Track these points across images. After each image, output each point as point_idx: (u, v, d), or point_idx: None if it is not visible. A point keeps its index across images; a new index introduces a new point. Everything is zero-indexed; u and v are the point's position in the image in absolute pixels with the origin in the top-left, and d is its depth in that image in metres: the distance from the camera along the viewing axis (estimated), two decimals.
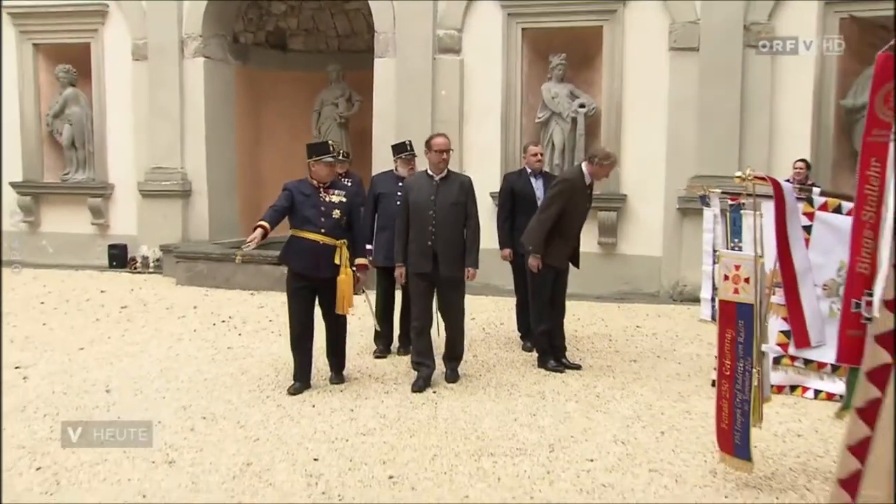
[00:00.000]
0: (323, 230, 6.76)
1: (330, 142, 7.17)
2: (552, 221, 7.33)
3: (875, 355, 2.93)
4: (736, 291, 4.76)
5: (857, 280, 3.17)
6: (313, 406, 6.49)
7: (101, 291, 11.90)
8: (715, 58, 11.52)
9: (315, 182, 6.87)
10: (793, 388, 6.68)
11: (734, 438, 4.87)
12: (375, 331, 8.29)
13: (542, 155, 8.61)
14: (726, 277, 4.81)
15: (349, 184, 11.01)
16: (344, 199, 6.90)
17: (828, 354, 5.19)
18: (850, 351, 3.27)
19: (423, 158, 7.38)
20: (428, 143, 7.12)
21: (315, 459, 5.32)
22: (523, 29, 12.42)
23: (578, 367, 7.61)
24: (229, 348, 8.48)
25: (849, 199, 5.41)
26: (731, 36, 11.45)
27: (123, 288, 12.23)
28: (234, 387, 7.02)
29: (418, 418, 6.20)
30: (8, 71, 14.58)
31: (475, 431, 5.89)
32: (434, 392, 6.87)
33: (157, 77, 13.78)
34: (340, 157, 11.79)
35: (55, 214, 14.67)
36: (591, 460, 5.29)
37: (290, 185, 6.95)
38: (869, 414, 2.96)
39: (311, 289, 6.89)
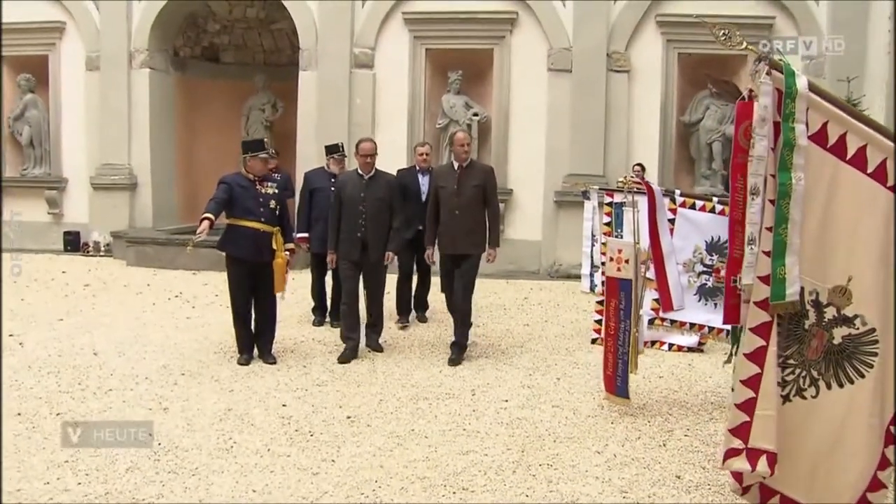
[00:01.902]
0: (262, 219, 6.63)
1: (264, 139, 6.98)
2: (430, 210, 7.12)
3: (756, 315, 3.51)
4: (619, 270, 5.41)
5: (734, 263, 3.75)
6: (272, 363, 6.81)
7: (63, 272, 11.80)
8: (584, 78, 12.21)
9: (251, 175, 6.71)
10: (652, 342, 7.39)
11: (616, 381, 5.53)
12: (313, 305, 8.52)
13: (427, 155, 8.48)
14: (611, 259, 5.44)
15: (278, 177, 11.35)
16: (276, 191, 6.81)
17: (686, 315, 5.87)
18: (732, 315, 3.84)
19: (353, 159, 7.63)
20: (357, 147, 7.19)
21: (284, 405, 5.67)
22: (427, 49, 12.83)
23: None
24: (188, 318, 8.66)
25: (701, 198, 6.15)
26: (596, 61, 12.16)
27: (81, 269, 12.14)
28: (200, 350, 7.22)
29: (361, 371, 6.59)
30: None
31: (409, 381, 6.33)
32: (369, 351, 7.23)
33: (108, 85, 13.64)
34: (271, 154, 12.09)
35: (15, 205, 14.34)
36: (506, 400, 5.83)
37: (227, 178, 6.76)
38: (756, 356, 3.51)
39: (249, 274, 6.73)
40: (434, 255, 7.21)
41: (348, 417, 5.42)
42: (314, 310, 8.57)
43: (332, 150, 8.47)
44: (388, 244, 7.09)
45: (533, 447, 4.87)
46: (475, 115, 12.58)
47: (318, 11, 12.96)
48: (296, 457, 4.70)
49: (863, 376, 3.52)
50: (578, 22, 12.19)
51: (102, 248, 13.73)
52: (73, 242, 13.98)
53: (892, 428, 3.51)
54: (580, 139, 12.21)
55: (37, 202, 14.24)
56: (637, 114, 12.24)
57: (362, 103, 12.85)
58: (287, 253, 6.87)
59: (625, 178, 5.39)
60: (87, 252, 13.78)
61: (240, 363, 6.74)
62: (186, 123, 14.55)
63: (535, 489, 4.25)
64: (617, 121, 12.22)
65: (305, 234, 8.13)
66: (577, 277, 9.89)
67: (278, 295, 6.90)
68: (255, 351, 6.95)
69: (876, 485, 3.53)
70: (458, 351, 6.98)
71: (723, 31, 3.52)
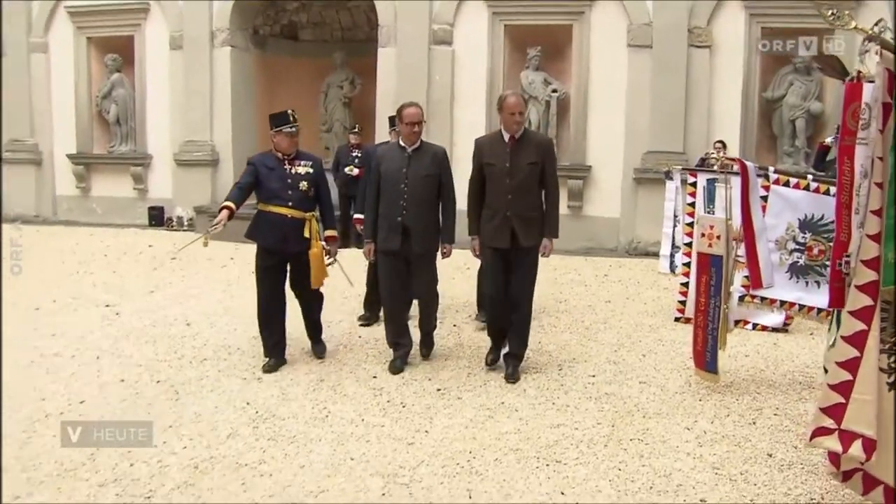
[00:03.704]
0: (290, 203, 5.79)
1: (289, 111, 5.96)
2: (474, 185, 5.83)
3: (857, 299, 3.49)
4: (710, 246, 5.40)
5: (839, 246, 3.72)
6: (360, 336, 6.96)
7: (149, 246, 12.22)
8: (664, 54, 12.00)
9: (279, 154, 5.89)
10: (737, 322, 7.31)
11: (706, 357, 5.52)
12: (365, 298, 7.51)
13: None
14: (703, 235, 5.43)
15: (357, 156, 11.48)
16: (311, 171, 5.91)
17: (777, 293, 5.81)
18: (837, 298, 3.82)
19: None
20: (399, 114, 5.97)
21: (374, 377, 5.83)
22: (505, 25, 12.76)
23: None
24: None
25: (795, 175, 6.06)
26: (677, 36, 11.95)
27: (166, 243, 12.51)
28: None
29: (448, 346, 6.64)
30: (66, 60, 14.86)
31: None
32: (454, 325, 7.30)
33: (191, 63, 13.98)
34: (355, 130, 12.24)
35: (103, 181, 14.92)
36: (593, 375, 5.88)
37: (254, 158, 6.06)
38: (855, 340, 3.48)
39: (280, 264, 5.95)
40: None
41: (438, 390, 5.55)
42: (365, 303, 7.54)
43: (393, 122, 7.44)
44: (442, 234, 5.98)
45: (623, 422, 4.92)
46: (554, 91, 12.52)
47: None
48: (389, 427, 4.84)
49: None
50: None
51: (185, 223, 14.14)
52: (158, 217, 14.42)
53: None
54: (660, 116, 12.03)
55: (123, 178, 14.71)
56: (718, 90, 11.98)
57: (441, 80, 12.88)
58: (324, 242, 6.02)
59: (718, 153, 5.34)
60: (171, 227, 14.20)
61: (263, 370, 5.93)
62: (266, 101, 14.73)
63: (626, 463, 4.31)
64: (697, 97, 12.00)
65: (362, 216, 6.95)
66: (656, 255, 9.84)
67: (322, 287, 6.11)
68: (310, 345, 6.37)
69: None
70: (514, 363, 5.86)
71: (831, 11, 3.48)
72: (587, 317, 7.80)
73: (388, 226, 5.84)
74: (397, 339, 6.09)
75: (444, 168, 5.95)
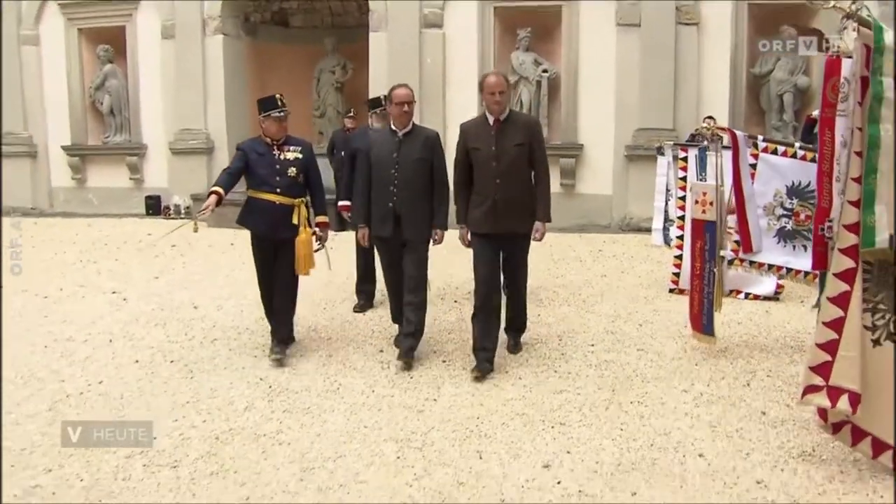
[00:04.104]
0: (278, 189, 5.70)
1: (277, 95, 5.83)
2: (460, 171, 5.64)
3: (840, 262, 3.73)
4: (704, 212, 5.64)
5: (822, 212, 3.96)
6: (364, 314, 7.17)
7: (148, 234, 12.36)
8: (653, 32, 12.23)
9: (268, 140, 5.79)
10: (730, 291, 7.55)
11: (702, 320, 5.78)
12: (357, 286, 7.49)
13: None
14: (697, 202, 5.66)
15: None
16: (300, 156, 5.80)
17: (765, 257, 6.05)
18: (820, 260, 4.07)
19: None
20: (389, 96, 5.82)
21: (381, 351, 6.03)
22: (495, 7, 12.96)
23: None
24: None
25: (783, 143, 6.28)
26: (665, 14, 12.17)
27: (165, 231, 12.67)
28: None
29: (450, 320, 6.89)
30: (57, 52, 14.96)
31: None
32: (455, 301, 7.51)
33: (184, 52, 14.13)
34: (350, 114, 12.36)
35: (98, 172, 15.05)
36: (592, 345, 6.10)
37: (243, 144, 5.96)
38: (840, 300, 3.74)
39: (270, 249, 5.88)
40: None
41: (444, 361, 5.75)
42: (357, 292, 7.50)
43: (375, 104, 7.44)
44: (434, 218, 5.76)
45: (623, 387, 5.14)
46: (545, 71, 12.72)
47: None
48: (399, 397, 5.05)
49: None
50: None
51: (183, 211, 14.29)
52: (155, 206, 14.58)
53: None
54: (650, 93, 12.26)
55: (118, 168, 14.88)
56: (707, 66, 12.24)
57: (433, 63, 13.07)
58: (317, 228, 5.95)
59: (708, 124, 5.56)
60: (169, 215, 14.36)
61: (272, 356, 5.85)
62: (259, 87, 14.80)
63: (628, 424, 4.53)
64: (686, 74, 12.24)
65: (348, 203, 7.03)
66: (649, 231, 10.04)
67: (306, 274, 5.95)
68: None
69: None
70: (515, 335, 5.99)
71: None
72: (584, 290, 8.02)
73: (379, 212, 5.74)
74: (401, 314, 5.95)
75: (437, 152, 5.77)
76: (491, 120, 5.41)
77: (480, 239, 5.50)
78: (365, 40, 13.66)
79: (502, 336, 5.87)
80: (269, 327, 6.09)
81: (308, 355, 5.96)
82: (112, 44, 14.75)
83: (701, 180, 7.00)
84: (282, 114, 5.76)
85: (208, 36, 14.11)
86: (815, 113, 9.47)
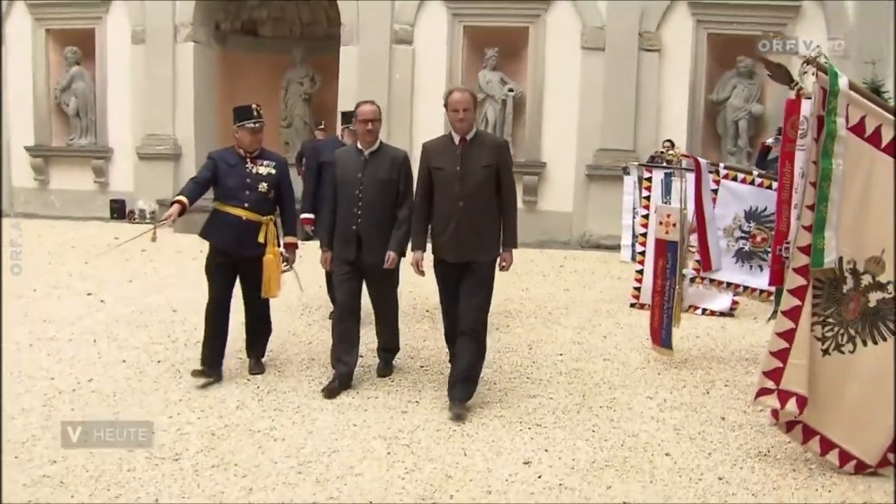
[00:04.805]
0: (247, 204, 5.42)
1: (254, 105, 5.55)
2: (419, 193, 5.31)
3: (793, 280, 4.19)
4: (667, 233, 6.07)
5: (780, 235, 4.44)
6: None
7: (115, 238, 12.43)
8: (616, 57, 12.78)
9: (241, 151, 5.52)
10: (688, 307, 8.00)
11: (661, 334, 6.20)
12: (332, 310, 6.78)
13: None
14: (660, 223, 6.09)
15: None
16: (273, 171, 5.53)
17: (724, 275, 6.55)
18: (777, 277, 4.52)
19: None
20: (355, 111, 5.59)
21: (360, 356, 6.20)
22: (464, 26, 13.43)
23: None
24: None
25: (742, 171, 6.78)
26: (629, 40, 12.73)
27: (131, 236, 12.76)
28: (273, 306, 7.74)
29: (424, 328, 7.21)
30: (24, 52, 14.98)
31: None
32: (427, 311, 7.80)
33: (154, 58, 14.29)
34: (321, 127, 12.65)
35: (62, 174, 15.09)
36: (560, 354, 6.48)
37: (215, 153, 5.67)
38: (792, 314, 4.19)
39: (231, 266, 5.59)
40: (423, 264, 5.32)
41: (422, 367, 6.07)
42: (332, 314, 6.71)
43: (349, 118, 6.72)
44: (391, 242, 5.41)
45: (592, 393, 5.52)
46: (510, 90, 13.17)
47: None
48: (383, 398, 5.35)
49: (895, 335, 4.17)
50: (612, 2, 12.72)
51: (148, 216, 14.39)
52: (119, 210, 14.68)
53: None
54: (612, 115, 12.79)
55: (83, 171, 14.96)
56: (667, 91, 12.83)
57: (402, 78, 13.43)
58: (283, 249, 5.70)
59: (674, 151, 6.06)
60: (133, 220, 14.46)
61: (193, 373, 5.59)
62: (227, 96, 15.03)
63: (599, 426, 4.90)
64: (647, 98, 12.79)
65: (311, 216, 6.90)
66: (608, 248, 10.53)
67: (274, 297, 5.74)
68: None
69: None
70: (465, 390, 5.12)
71: (776, 38, 4.15)
72: (549, 303, 8.41)
73: (342, 235, 5.47)
74: (341, 355, 5.55)
75: (404, 173, 5.47)
76: (456, 139, 5.07)
77: (444, 268, 5.21)
78: (333, 52, 13.99)
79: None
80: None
81: (291, 358, 6.24)
82: (80, 46, 14.85)
83: (665, 203, 7.46)
84: (257, 124, 5.50)
85: (179, 43, 14.29)
86: (770, 140, 10.17)
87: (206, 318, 5.68)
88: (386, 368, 5.91)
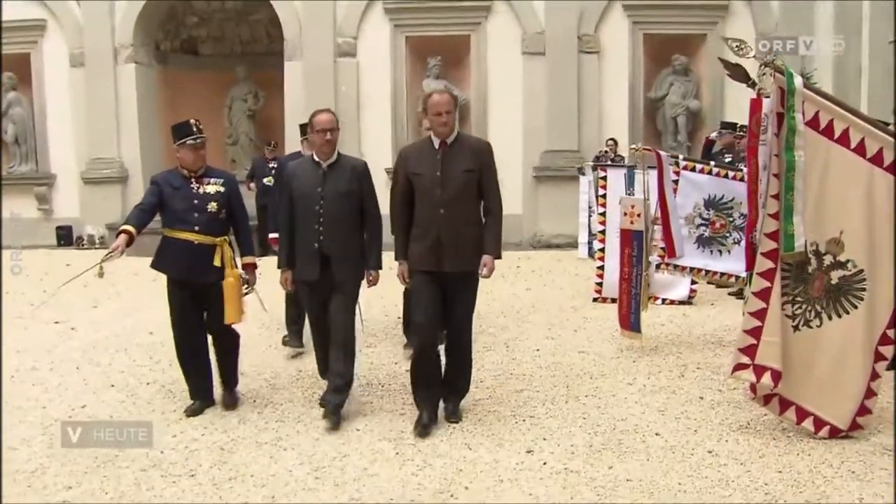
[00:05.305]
0: (197, 227, 5.11)
1: (192, 121, 5.25)
2: (399, 201, 5.06)
3: (762, 263, 4.57)
4: (632, 223, 6.47)
5: (751, 224, 4.81)
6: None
7: (67, 265, 12.34)
8: (557, 60, 13.23)
9: (185, 171, 5.22)
10: (648, 298, 8.41)
11: (630, 318, 6.59)
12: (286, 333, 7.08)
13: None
14: (625, 214, 6.47)
15: (273, 167, 11.98)
16: (221, 189, 5.23)
17: (687, 261, 6.95)
18: (750, 262, 4.87)
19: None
20: (310, 122, 5.30)
21: None
22: (406, 37, 13.72)
23: None
24: None
25: (701, 162, 7.22)
26: (568, 43, 13.16)
27: (82, 262, 12.39)
28: (244, 325, 7.77)
29: (399, 334, 7.34)
30: None
31: None
32: (399, 317, 8.01)
33: (94, 80, 14.23)
34: (270, 146, 12.75)
35: (3, 202, 14.79)
36: (537, 350, 6.79)
37: (157, 177, 5.37)
38: (762, 294, 4.57)
39: (194, 297, 5.31)
40: (406, 274, 5.08)
41: (407, 371, 6.27)
42: (285, 338, 7.09)
43: (305, 130, 6.56)
44: (368, 259, 5.23)
45: (575, 383, 5.84)
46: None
47: (301, 3, 13.73)
48: (378, 403, 5.56)
49: (856, 308, 4.62)
50: (550, 7, 13.21)
51: (97, 241, 14.29)
52: (66, 237, 14.53)
53: (879, 349, 4.57)
54: (555, 117, 13.22)
55: (26, 199, 14.72)
56: (607, 91, 13.32)
57: (347, 91, 13.63)
58: (243, 271, 5.38)
59: (638, 146, 6.47)
60: (82, 245, 14.33)
61: (186, 413, 5.40)
62: (171, 115, 14.79)
63: (588, 414, 5.20)
64: (589, 99, 13.26)
65: (276, 235, 6.11)
66: (559, 247, 10.88)
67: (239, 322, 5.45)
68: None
69: (863, 410, 4.62)
70: (455, 399, 5.23)
71: (736, 44, 4.53)
72: (515, 303, 8.73)
73: (304, 254, 5.15)
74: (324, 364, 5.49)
75: (366, 183, 5.20)
76: (436, 143, 4.85)
77: (422, 277, 4.94)
78: (276, 68, 14.12)
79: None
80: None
81: (278, 372, 6.39)
82: (16, 71, 14.69)
83: (629, 195, 7.84)
84: (198, 140, 5.18)
85: (120, 64, 14.26)
86: (713, 135, 10.65)
87: (178, 356, 5.50)
88: (336, 401, 5.19)
